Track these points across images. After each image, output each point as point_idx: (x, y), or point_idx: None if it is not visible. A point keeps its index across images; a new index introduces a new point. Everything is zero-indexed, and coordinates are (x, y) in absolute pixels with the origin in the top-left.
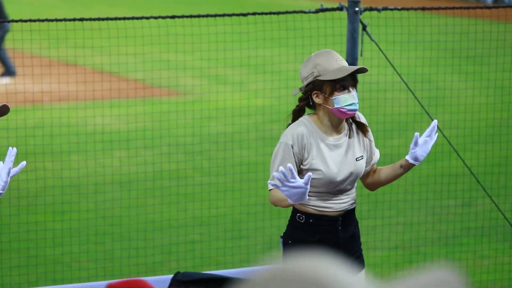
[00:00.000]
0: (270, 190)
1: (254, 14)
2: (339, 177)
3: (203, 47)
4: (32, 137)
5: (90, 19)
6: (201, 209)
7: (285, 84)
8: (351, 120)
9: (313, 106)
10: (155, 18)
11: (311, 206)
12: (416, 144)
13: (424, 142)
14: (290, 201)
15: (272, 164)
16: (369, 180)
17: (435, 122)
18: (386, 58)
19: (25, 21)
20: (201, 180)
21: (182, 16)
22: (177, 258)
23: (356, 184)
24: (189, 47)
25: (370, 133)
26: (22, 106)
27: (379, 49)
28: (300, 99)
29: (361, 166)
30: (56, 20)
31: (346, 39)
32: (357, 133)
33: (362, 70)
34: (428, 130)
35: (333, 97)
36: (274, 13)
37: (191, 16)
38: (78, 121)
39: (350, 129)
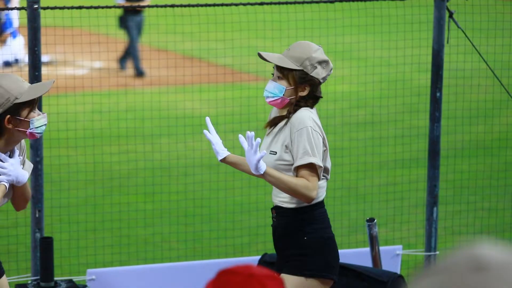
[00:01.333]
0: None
1: (341, 1)
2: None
3: (290, 33)
4: (124, 120)
5: (181, 5)
6: None
7: (371, 71)
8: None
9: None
10: (244, 4)
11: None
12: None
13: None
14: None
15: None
16: None
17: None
18: (473, 45)
19: (116, 7)
20: None
21: (271, 3)
22: (264, 240)
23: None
24: (277, 33)
25: (294, 135)
26: (115, 90)
27: (466, 36)
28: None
29: (269, 160)
30: (149, 6)
31: (433, 26)
32: (285, 131)
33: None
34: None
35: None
36: (361, 0)
37: (279, 3)
38: (168, 105)
39: (285, 123)
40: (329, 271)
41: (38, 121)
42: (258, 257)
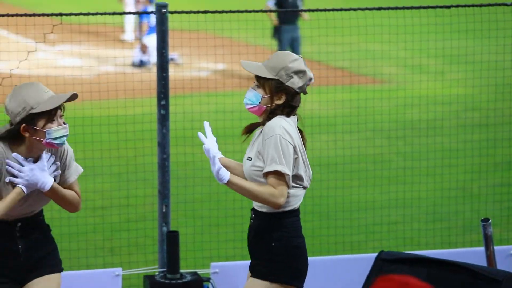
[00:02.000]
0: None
1: (457, 6)
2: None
3: (407, 37)
4: (246, 120)
5: (301, 10)
6: (402, 192)
7: (486, 74)
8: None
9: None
10: (362, 9)
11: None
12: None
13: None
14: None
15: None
16: None
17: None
18: None
19: (233, 11)
20: (402, 164)
21: (388, 8)
22: (380, 238)
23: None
24: (394, 37)
25: (264, 143)
26: (238, 91)
27: None
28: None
29: (246, 166)
30: (270, 11)
31: None
32: (259, 138)
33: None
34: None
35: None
36: (476, 6)
37: (396, 8)
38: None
39: (261, 131)
40: (293, 279)
41: (56, 132)
42: (374, 254)
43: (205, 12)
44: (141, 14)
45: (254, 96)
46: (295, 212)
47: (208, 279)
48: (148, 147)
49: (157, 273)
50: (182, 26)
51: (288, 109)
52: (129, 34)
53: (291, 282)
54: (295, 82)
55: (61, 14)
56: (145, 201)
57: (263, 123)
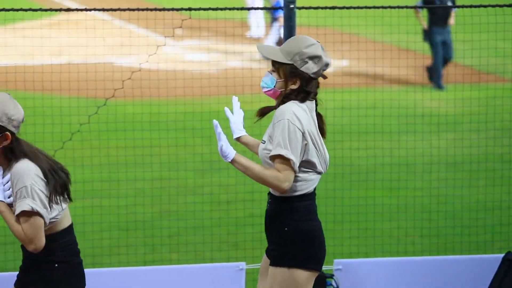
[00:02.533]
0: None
1: None
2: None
3: None
4: (365, 117)
5: (422, 7)
6: None
7: None
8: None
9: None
10: (493, 6)
11: None
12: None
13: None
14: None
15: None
16: None
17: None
18: None
19: (361, 7)
20: None
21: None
22: (508, 238)
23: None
24: None
25: (274, 126)
26: (357, 88)
27: None
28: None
29: (260, 148)
30: (390, 7)
31: None
32: (272, 122)
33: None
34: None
35: None
36: None
37: None
38: (408, 104)
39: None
40: (309, 263)
41: None
42: (501, 255)
43: (333, 8)
44: (270, 9)
45: (269, 80)
46: (308, 196)
47: (331, 276)
48: None
49: None
50: (309, 22)
51: (303, 94)
52: (255, 30)
53: (306, 266)
54: (310, 68)
55: (190, 9)
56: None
57: (276, 107)
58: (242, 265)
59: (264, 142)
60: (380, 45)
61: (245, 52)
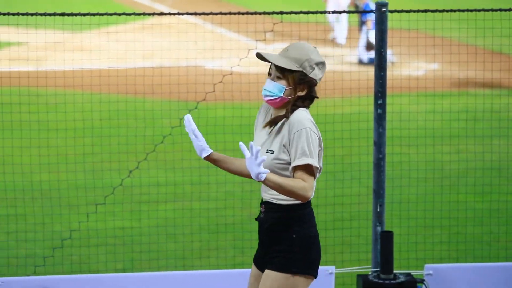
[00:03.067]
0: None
1: None
2: None
3: None
4: (456, 120)
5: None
6: None
7: None
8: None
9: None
10: None
11: None
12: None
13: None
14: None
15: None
16: None
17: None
18: None
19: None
20: None
21: None
22: None
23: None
24: None
25: (293, 136)
26: (448, 91)
27: None
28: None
29: (268, 159)
30: (484, 10)
31: None
32: (283, 130)
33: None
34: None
35: None
36: None
37: None
38: (500, 107)
39: (283, 123)
40: (313, 269)
41: None
42: None
43: (426, 11)
44: (361, 12)
45: (275, 88)
46: (310, 202)
47: (422, 281)
48: (363, 146)
49: (370, 273)
50: (401, 25)
51: (309, 100)
52: (339, 33)
53: (308, 272)
54: (317, 74)
55: (281, 13)
56: (359, 200)
57: (285, 116)
58: (332, 269)
59: (272, 152)
60: (473, 48)
61: (336, 56)
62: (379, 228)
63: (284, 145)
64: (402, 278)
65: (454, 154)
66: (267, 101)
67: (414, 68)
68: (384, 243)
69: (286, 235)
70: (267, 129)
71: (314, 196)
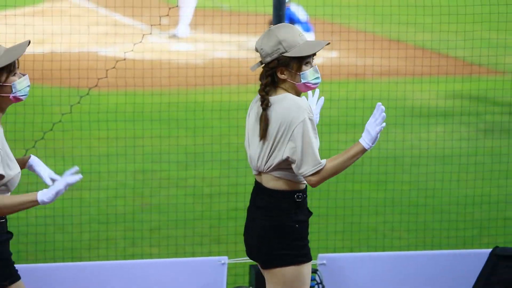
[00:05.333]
0: (320, 164)
1: None
2: None
3: None
4: (353, 108)
5: None
6: None
7: None
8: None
9: (276, 82)
10: None
11: (302, 182)
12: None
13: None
14: (368, 146)
15: (310, 145)
16: None
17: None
18: None
19: None
20: None
21: None
22: (494, 234)
23: None
24: (511, 25)
25: None
26: (346, 79)
27: None
28: (263, 76)
29: None
30: None
31: None
32: None
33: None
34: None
35: (301, 73)
36: None
37: None
38: (397, 95)
39: None
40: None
41: (20, 84)
42: (488, 250)
43: None
44: None
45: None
46: None
47: (315, 271)
48: None
49: None
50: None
51: None
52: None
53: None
54: None
55: None
56: None
57: None
58: (224, 259)
59: None
60: (371, 35)
61: (233, 42)
62: None
63: None
64: None
65: (351, 143)
66: (315, 87)
67: (317, 56)
68: None
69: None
70: None
71: (208, 185)
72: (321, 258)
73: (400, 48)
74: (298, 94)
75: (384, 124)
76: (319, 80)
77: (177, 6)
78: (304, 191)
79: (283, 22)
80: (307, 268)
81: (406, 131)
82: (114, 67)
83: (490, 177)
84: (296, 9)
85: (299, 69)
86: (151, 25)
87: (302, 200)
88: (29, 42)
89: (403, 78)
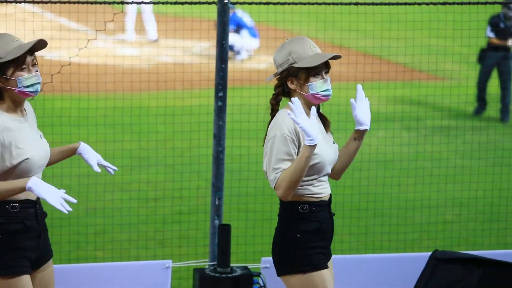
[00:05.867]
0: (275, 178)
1: None
2: (332, 160)
3: (464, 33)
4: None
5: (357, 4)
6: (457, 191)
7: None
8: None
9: (288, 93)
10: (419, 4)
11: (311, 195)
12: (355, 110)
13: (361, 106)
14: (309, 141)
15: (269, 160)
16: (335, 169)
17: (359, 86)
18: None
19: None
20: (460, 163)
21: (445, 3)
22: (434, 237)
23: None
24: (450, 33)
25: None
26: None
27: None
28: (276, 86)
29: (337, 149)
30: (325, 3)
31: None
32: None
33: (336, 57)
34: (357, 95)
35: (309, 84)
36: None
37: (453, 3)
38: (340, 101)
39: (315, 115)
40: None
41: (27, 79)
42: (428, 253)
43: (268, 3)
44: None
45: (330, 84)
46: None
47: (259, 274)
48: (203, 139)
49: (207, 267)
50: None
51: None
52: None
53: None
54: None
55: (122, 2)
56: (198, 193)
57: (318, 109)
58: (169, 263)
59: (335, 142)
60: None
61: (177, 47)
62: (217, 222)
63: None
64: (239, 272)
65: None
66: (326, 99)
67: (256, 61)
68: (222, 236)
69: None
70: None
71: (153, 189)
72: (265, 262)
73: (342, 55)
74: (309, 105)
75: (301, 122)
76: (329, 93)
77: (122, 11)
78: (313, 203)
79: (227, 28)
80: (317, 277)
81: (348, 136)
82: (59, 72)
83: (430, 181)
84: (242, 15)
85: (307, 79)
86: (96, 30)
87: (309, 211)
88: (42, 40)
89: (346, 83)
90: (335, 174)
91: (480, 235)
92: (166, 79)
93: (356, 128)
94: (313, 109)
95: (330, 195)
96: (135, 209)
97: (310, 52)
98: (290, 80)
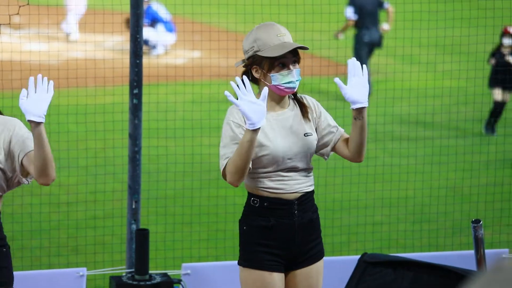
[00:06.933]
0: (222, 165)
1: None
2: (287, 153)
3: (397, 25)
4: (217, 111)
5: None
6: (386, 190)
7: (475, 66)
8: (293, 97)
9: (255, 81)
10: None
11: (265, 189)
12: (344, 89)
13: (352, 83)
14: (249, 125)
15: (221, 147)
16: (349, 152)
17: (350, 61)
18: None
19: None
20: (388, 161)
21: None
22: (363, 239)
23: (311, 165)
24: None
25: (319, 112)
26: (208, 80)
27: None
28: (242, 73)
29: (311, 142)
30: None
31: None
32: (308, 110)
33: (302, 48)
34: (349, 71)
35: (271, 74)
36: None
37: None
38: None
39: (295, 105)
40: None
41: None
42: (357, 256)
43: None
44: None
45: (298, 74)
46: None
47: (179, 281)
48: (118, 139)
49: (124, 274)
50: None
51: None
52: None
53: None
54: None
55: None
56: (114, 196)
57: (297, 98)
58: (83, 271)
59: (311, 134)
60: (234, 35)
61: (88, 42)
62: (134, 226)
63: (313, 122)
64: (158, 279)
65: (214, 147)
66: (291, 92)
67: (172, 56)
68: (139, 241)
69: (317, 221)
70: (290, 115)
71: (65, 193)
72: (185, 268)
73: None
74: (274, 95)
75: (241, 104)
76: (293, 85)
77: (28, 4)
78: (267, 198)
79: (141, 21)
80: (247, 273)
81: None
82: None
83: (358, 181)
84: (157, 7)
85: (270, 70)
86: (1, 24)
87: (259, 206)
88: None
89: None
90: (352, 157)
91: (410, 236)
92: (77, 75)
93: (351, 108)
94: (288, 100)
95: (305, 194)
96: (46, 214)
97: (276, 40)
98: (254, 69)
